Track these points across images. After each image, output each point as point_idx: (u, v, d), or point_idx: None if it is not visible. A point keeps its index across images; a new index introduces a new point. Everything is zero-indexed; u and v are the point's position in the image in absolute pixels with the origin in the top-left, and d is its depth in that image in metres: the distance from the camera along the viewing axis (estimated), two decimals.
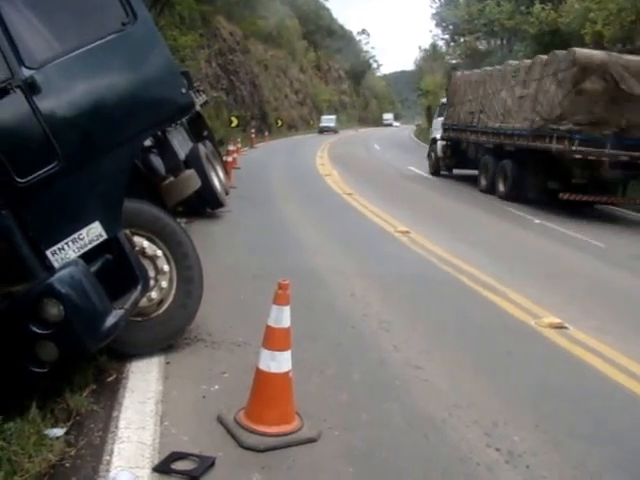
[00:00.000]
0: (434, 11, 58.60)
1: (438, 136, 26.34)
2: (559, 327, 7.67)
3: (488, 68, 24.09)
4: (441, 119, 26.38)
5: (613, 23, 23.42)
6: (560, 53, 17.80)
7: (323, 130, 71.62)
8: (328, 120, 76.02)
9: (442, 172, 26.54)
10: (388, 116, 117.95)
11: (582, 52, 17.09)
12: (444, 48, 58.99)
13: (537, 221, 16.21)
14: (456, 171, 25.98)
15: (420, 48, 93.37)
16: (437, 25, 55.92)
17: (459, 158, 24.89)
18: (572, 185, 17.38)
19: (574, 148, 16.34)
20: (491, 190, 20.61)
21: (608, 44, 24.46)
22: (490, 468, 4.54)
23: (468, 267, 10.35)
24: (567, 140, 16.53)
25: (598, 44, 24.83)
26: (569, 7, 27.04)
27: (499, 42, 42.54)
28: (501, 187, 20.00)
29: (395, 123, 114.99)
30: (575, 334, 7.48)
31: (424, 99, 67.78)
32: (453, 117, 24.81)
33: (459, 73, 27.12)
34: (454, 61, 55.37)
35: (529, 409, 5.57)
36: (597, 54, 17.08)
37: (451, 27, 51.45)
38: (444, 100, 27.43)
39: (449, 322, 7.81)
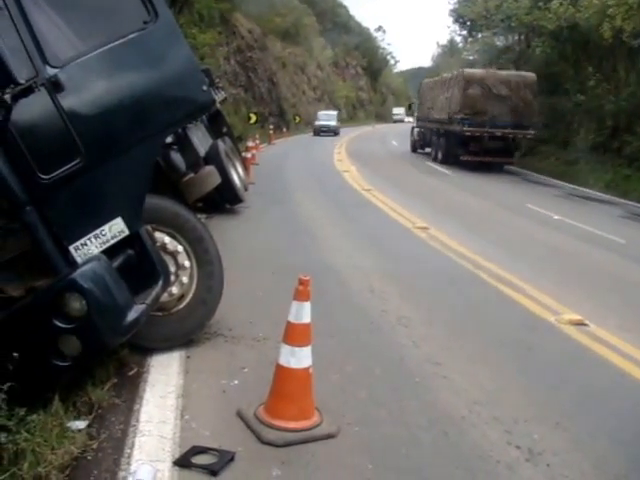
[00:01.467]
0: (451, 7, 58.17)
1: (415, 124, 39.14)
2: (579, 324, 7.64)
3: (436, 78, 36.58)
4: (416, 114, 39.63)
5: (633, 17, 23.17)
6: (458, 71, 30.59)
7: (320, 130, 54.85)
8: (327, 117, 58.39)
9: (418, 150, 36.93)
10: (398, 110, 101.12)
11: (468, 71, 29.82)
12: (461, 44, 58.69)
13: (556, 217, 16.14)
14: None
15: (438, 44, 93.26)
16: (454, 21, 55.42)
17: (425, 140, 35.82)
18: (470, 152, 28.26)
19: (465, 129, 27.55)
20: (435, 158, 31.62)
21: (628, 39, 24.23)
22: (510, 466, 4.54)
23: (487, 263, 10.33)
24: (461, 124, 27.68)
25: (617, 39, 24.62)
26: (588, 2, 26.74)
27: (517, 38, 42.12)
28: (439, 156, 31.24)
29: (407, 118, 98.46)
30: (596, 331, 7.45)
31: None
32: (421, 112, 37.13)
33: (425, 80, 39.92)
34: (471, 57, 54.94)
35: (550, 407, 5.56)
36: (477, 72, 29.89)
37: (468, 23, 51.05)
38: (414, 101, 40.34)
39: (468, 318, 7.80)
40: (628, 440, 5.09)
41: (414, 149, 37.93)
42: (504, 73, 29.83)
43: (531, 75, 28.90)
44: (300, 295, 4.76)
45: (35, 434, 4.07)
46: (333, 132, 55.14)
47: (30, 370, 4.34)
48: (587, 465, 4.65)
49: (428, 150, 34.44)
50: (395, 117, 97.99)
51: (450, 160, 29.38)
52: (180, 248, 6.08)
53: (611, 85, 26.82)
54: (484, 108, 27.63)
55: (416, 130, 37.98)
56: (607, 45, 26.02)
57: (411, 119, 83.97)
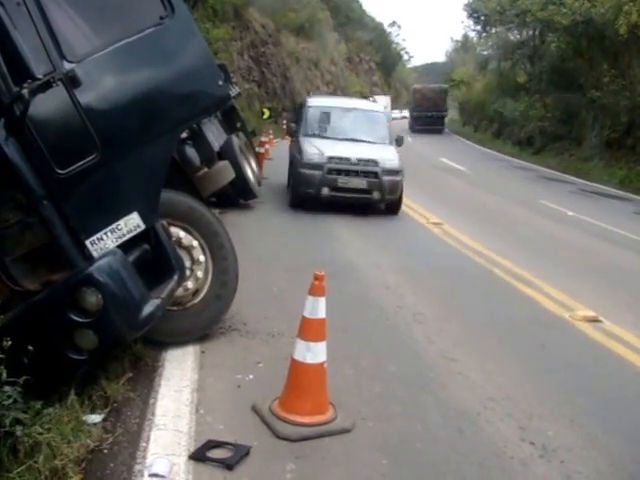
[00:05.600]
0: (465, 2, 58.04)
1: (412, 114, 62.34)
2: (594, 320, 7.62)
3: (418, 86, 65.96)
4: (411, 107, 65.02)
5: None
6: (415, 86, 67.78)
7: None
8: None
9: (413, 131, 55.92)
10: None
11: (415, 86, 67.28)
12: (475, 39, 58.57)
13: (570, 213, 16.09)
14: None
15: (452, 39, 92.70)
16: (469, 16, 55.34)
17: (418, 123, 58.86)
18: (419, 125, 57.69)
19: (414, 114, 59.96)
20: (411, 129, 57.84)
21: None
22: (524, 462, 4.54)
23: (502, 260, 10.32)
24: (413, 111, 61.12)
25: (634, 35, 24.44)
26: None
27: (531, 33, 41.91)
28: (417, 127, 57.13)
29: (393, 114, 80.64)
30: (610, 328, 7.43)
31: (457, 90, 67.13)
32: (413, 106, 61.51)
33: (416, 86, 67.23)
34: (485, 52, 55.00)
35: (564, 403, 5.54)
36: (418, 86, 65.39)
37: (482, 18, 50.84)
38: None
39: (483, 314, 7.80)
40: None
41: (412, 130, 57.74)
42: (430, 86, 64.39)
43: (445, 86, 64.83)
44: (316, 290, 4.76)
45: (51, 427, 4.08)
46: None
47: (46, 364, 4.33)
48: (602, 462, 4.64)
49: (422, 129, 56.76)
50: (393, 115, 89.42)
51: (414, 129, 57.44)
52: (195, 243, 6.09)
53: (626, 81, 26.63)
54: (423, 104, 59.29)
55: (411, 117, 63.38)
56: (622, 41, 25.78)
57: (403, 114, 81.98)
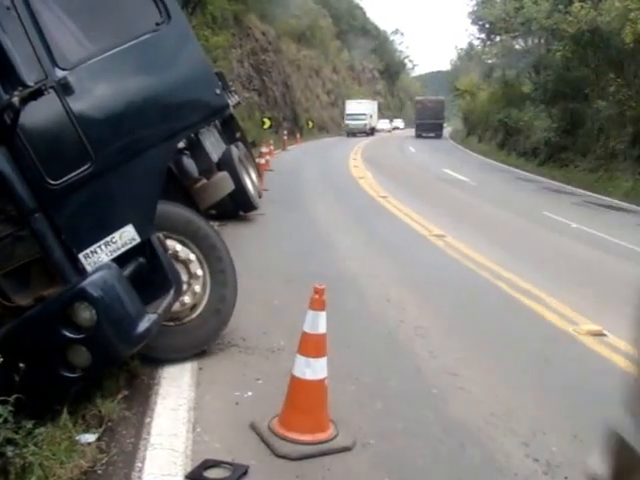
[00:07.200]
0: (470, 9, 58.30)
1: (416, 122, 71.04)
2: (598, 334, 7.52)
3: (420, 98, 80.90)
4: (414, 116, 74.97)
5: None
6: (417, 98, 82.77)
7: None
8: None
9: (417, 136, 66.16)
10: (382, 121, 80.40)
11: (417, 98, 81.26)
12: (480, 47, 58.60)
13: (574, 225, 16.00)
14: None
15: (456, 48, 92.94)
16: (473, 24, 55.23)
17: (420, 129, 67.91)
18: (422, 131, 68.53)
19: (417, 122, 70.41)
20: (417, 135, 67.76)
21: None
22: (528, 479, 4.47)
23: (505, 272, 10.22)
24: (417, 119, 71.77)
25: (639, 44, 24.39)
26: (609, 5, 26.46)
27: (536, 41, 41.94)
28: (420, 133, 68.08)
29: (383, 125, 79.43)
30: (615, 342, 7.31)
31: (461, 99, 67.32)
32: (416, 115, 71.81)
33: (418, 97, 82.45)
34: (490, 61, 54.85)
35: (568, 419, 5.45)
36: (420, 98, 78.73)
37: (487, 26, 50.92)
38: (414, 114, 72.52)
39: (486, 328, 7.71)
40: None
41: (418, 136, 66.85)
42: (430, 97, 77.81)
43: (442, 98, 73.58)
44: (316, 304, 4.68)
45: (43, 448, 4.01)
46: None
47: (38, 382, 4.27)
48: None
49: (424, 134, 66.75)
50: (379, 126, 77.05)
51: (418, 135, 67.14)
52: (192, 256, 6.03)
53: (632, 91, 26.52)
54: (423, 112, 68.77)
55: (416, 125, 70.67)
56: (628, 50, 25.69)
57: (396, 125, 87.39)
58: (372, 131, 68.89)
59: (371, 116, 69.40)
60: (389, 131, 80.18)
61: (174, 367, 5.85)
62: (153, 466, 4.28)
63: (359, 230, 13.93)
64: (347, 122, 66.91)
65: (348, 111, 67.50)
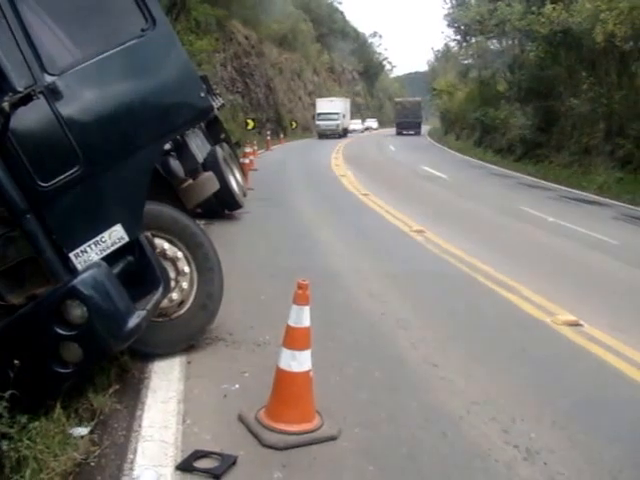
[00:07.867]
0: (446, 12, 58.30)
1: (396, 121, 76.18)
2: (574, 324, 7.65)
3: (399, 99, 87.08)
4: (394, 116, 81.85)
5: (624, 22, 23.16)
6: (396, 99, 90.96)
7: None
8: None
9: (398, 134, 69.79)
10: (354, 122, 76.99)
11: (396, 99, 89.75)
12: (456, 49, 58.67)
13: (551, 219, 16.14)
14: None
15: (433, 49, 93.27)
16: (449, 26, 55.33)
17: (400, 128, 72.51)
18: (402, 130, 72.43)
19: (397, 121, 75.97)
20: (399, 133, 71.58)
21: (620, 42, 24.24)
22: (508, 465, 4.57)
23: (483, 265, 10.34)
24: (398, 119, 76.23)
25: (610, 43, 24.62)
26: (580, 7, 26.68)
27: (510, 42, 42.16)
28: (400, 130, 72.94)
29: (356, 125, 76.58)
30: (590, 331, 7.46)
31: (438, 99, 67.33)
32: (396, 114, 78.48)
33: (397, 99, 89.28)
34: (466, 61, 55.08)
35: (546, 406, 5.58)
36: (399, 99, 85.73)
37: (463, 28, 51.07)
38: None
39: (465, 320, 7.84)
40: (623, 437, 5.13)
41: (398, 133, 71.43)
42: (408, 99, 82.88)
43: (419, 99, 79.27)
44: (299, 299, 4.79)
45: (37, 441, 4.09)
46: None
47: (31, 377, 4.34)
48: (583, 462, 4.69)
49: (404, 132, 70.94)
50: (352, 126, 72.80)
51: (398, 133, 71.27)
52: (180, 254, 6.12)
53: (604, 89, 26.75)
54: (403, 113, 74.05)
55: (396, 125, 75.17)
56: (600, 49, 25.93)
57: (369, 125, 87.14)
58: (345, 132, 63.33)
59: (344, 115, 63.73)
60: (361, 132, 76.34)
61: (164, 361, 5.94)
62: (144, 457, 4.37)
63: (342, 227, 14.05)
64: (318, 123, 61.06)
65: (319, 110, 61.45)
